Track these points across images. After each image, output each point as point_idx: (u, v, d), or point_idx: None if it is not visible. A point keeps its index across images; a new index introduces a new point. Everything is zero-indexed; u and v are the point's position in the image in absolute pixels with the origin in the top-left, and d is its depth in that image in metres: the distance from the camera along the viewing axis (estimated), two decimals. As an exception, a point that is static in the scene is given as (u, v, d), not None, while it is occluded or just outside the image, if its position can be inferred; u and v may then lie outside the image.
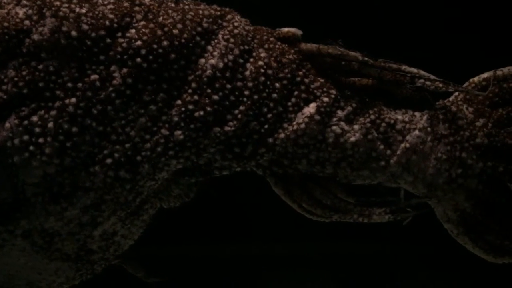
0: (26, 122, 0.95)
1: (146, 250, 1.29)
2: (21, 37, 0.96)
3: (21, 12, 0.97)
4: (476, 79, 1.15)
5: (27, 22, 0.96)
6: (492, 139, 1.11)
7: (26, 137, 0.95)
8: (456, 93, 1.15)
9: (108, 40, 0.99)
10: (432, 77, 1.11)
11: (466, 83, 1.16)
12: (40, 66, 0.96)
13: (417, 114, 1.14)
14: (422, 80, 1.11)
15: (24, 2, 0.98)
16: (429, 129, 1.11)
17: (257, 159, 1.10)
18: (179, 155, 1.03)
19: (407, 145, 1.11)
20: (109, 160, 0.99)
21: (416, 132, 1.11)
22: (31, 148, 0.95)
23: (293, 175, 1.16)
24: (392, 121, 1.12)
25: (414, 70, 1.12)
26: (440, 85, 1.10)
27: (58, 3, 0.98)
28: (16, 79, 0.95)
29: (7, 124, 0.96)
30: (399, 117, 1.13)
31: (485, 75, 1.15)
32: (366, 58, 1.11)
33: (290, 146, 1.09)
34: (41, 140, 0.95)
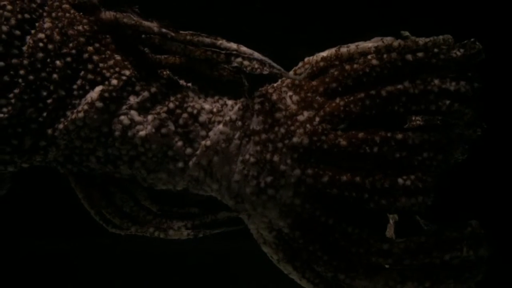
0: None
1: None
2: None
3: None
4: (313, 58, 0.87)
5: None
6: (316, 138, 0.82)
7: None
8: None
9: None
10: (256, 55, 0.85)
11: (300, 64, 0.88)
12: None
13: (230, 102, 0.88)
14: (239, 59, 0.85)
15: None
16: (239, 123, 0.85)
17: (41, 153, 0.90)
18: None
19: (208, 143, 0.85)
20: None
21: (220, 126, 0.85)
22: None
23: (95, 175, 0.94)
24: (195, 111, 0.87)
25: (233, 45, 0.86)
26: (256, 66, 0.84)
27: None
28: None
29: None
30: (207, 106, 0.87)
31: (325, 53, 0.86)
32: (164, 30, 0.86)
33: (76, 139, 0.88)
34: None
